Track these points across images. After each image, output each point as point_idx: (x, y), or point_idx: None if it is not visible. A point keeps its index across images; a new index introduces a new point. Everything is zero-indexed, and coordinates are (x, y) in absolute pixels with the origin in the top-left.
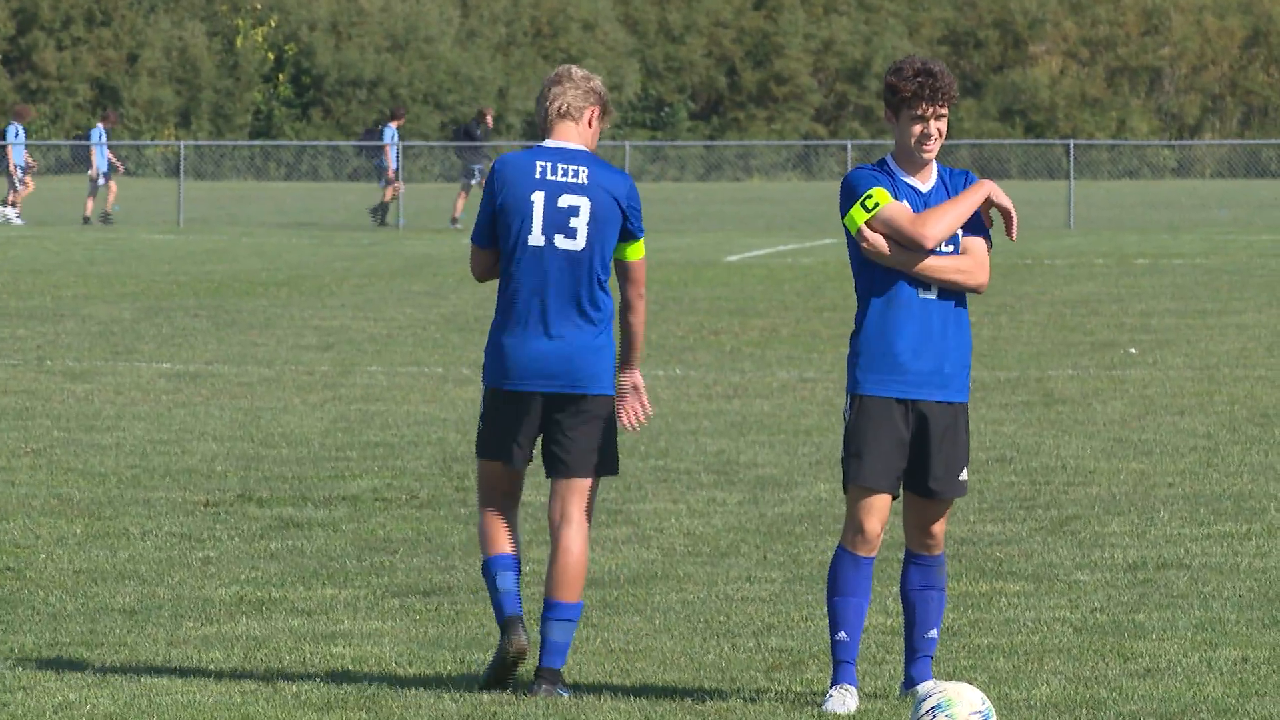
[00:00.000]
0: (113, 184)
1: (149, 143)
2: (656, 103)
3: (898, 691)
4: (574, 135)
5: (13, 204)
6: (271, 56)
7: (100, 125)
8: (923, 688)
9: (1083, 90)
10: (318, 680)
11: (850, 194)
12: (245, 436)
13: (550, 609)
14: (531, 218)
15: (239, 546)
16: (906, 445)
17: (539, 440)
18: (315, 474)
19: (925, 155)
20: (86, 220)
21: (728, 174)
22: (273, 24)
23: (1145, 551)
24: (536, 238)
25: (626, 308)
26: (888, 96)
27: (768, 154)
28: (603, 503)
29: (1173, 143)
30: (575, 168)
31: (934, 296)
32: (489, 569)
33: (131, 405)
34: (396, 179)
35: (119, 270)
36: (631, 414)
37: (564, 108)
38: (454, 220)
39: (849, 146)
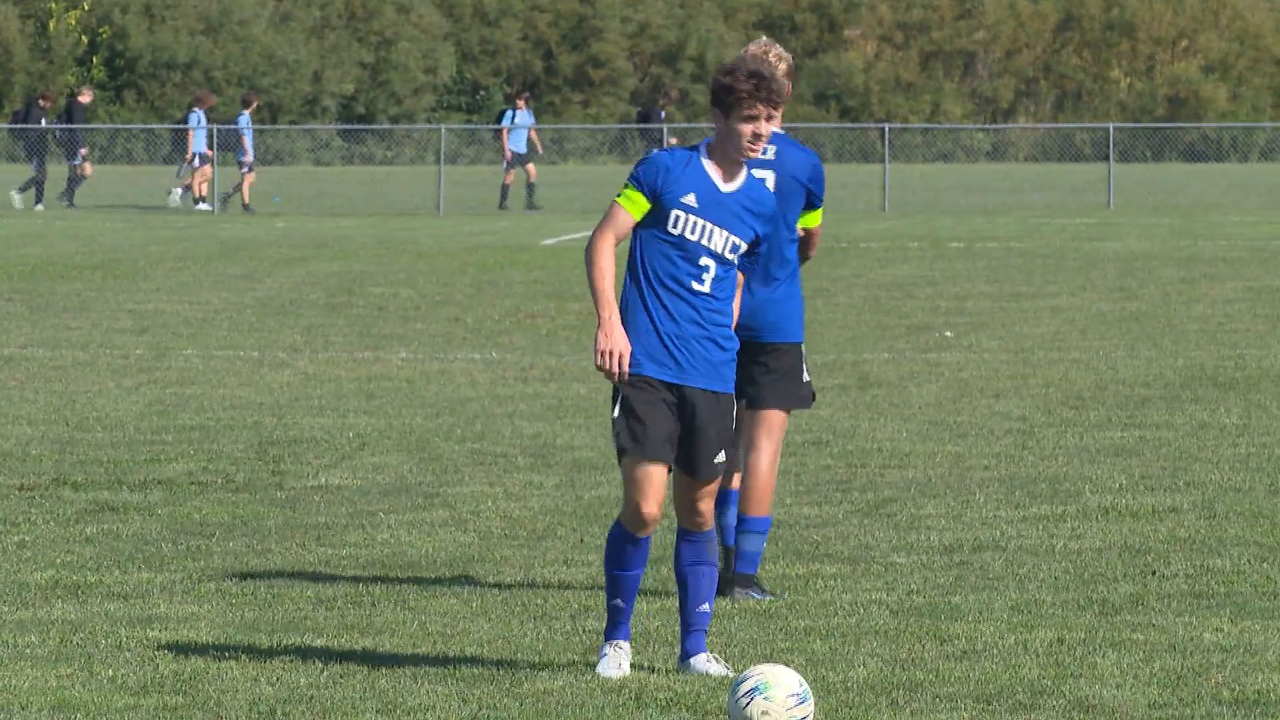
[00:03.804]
0: (207, 169)
1: None
2: (472, 86)
3: (674, 664)
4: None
5: (186, 187)
6: (85, 40)
7: (198, 110)
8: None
9: (897, 74)
10: (134, 664)
11: (634, 173)
12: (60, 420)
13: (742, 523)
14: None
15: (54, 530)
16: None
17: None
18: (130, 458)
19: (751, 154)
20: (199, 201)
21: (544, 157)
22: (86, 7)
23: (961, 534)
24: None
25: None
26: (720, 95)
27: (583, 138)
28: (419, 485)
29: (987, 126)
30: (765, 147)
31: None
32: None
33: None
34: (248, 168)
35: None
36: None
37: None
38: None
39: (664, 130)
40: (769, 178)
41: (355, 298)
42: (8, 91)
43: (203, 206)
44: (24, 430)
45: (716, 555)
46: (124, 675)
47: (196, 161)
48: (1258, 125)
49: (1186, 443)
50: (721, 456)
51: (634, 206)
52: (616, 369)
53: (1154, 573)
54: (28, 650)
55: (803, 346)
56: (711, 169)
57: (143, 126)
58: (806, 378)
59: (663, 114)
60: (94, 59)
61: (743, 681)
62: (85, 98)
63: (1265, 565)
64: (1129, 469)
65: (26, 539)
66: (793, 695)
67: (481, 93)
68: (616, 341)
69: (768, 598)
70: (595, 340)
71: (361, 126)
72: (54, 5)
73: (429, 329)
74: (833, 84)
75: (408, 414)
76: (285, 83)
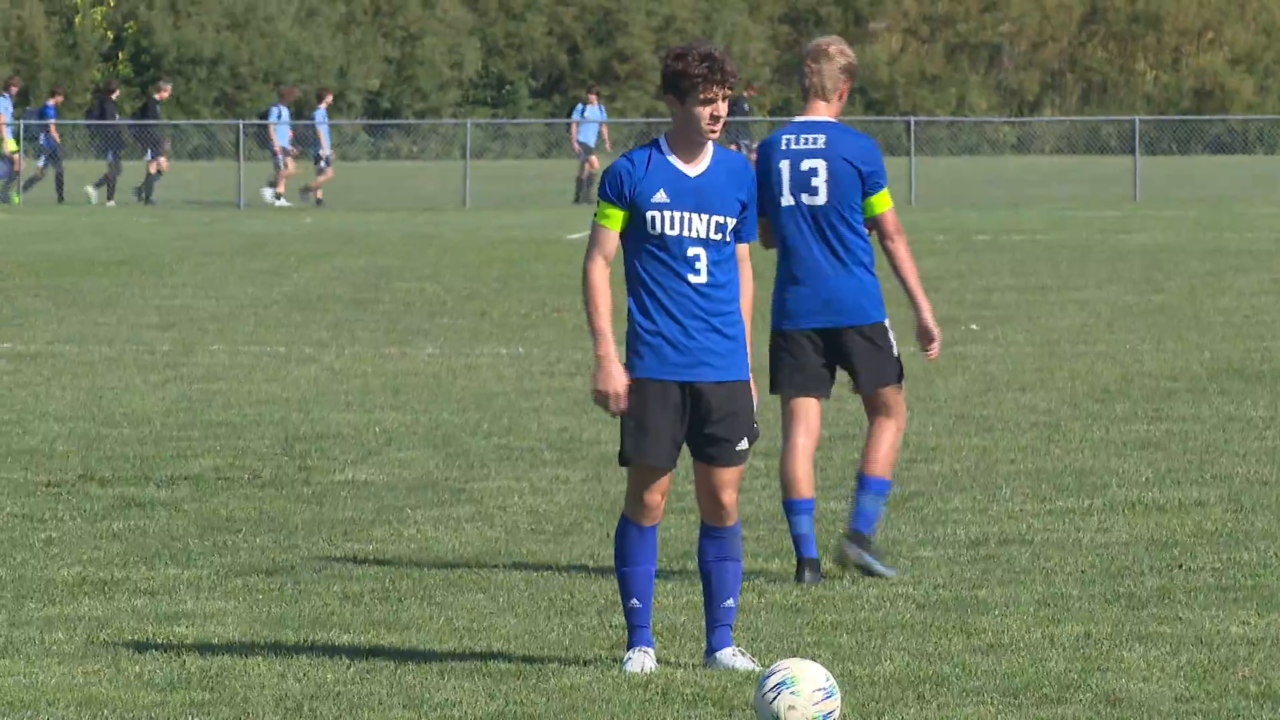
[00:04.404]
0: (290, 164)
1: None
2: (497, 80)
3: (700, 659)
4: (823, 110)
5: (273, 185)
6: (111, 35)
7: (321, 106)
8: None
9: (922, 67)
10: (161, 660)
11: (600, 187)
12: (87, 416)
13: (862, 483)
14: (781, 183)
15: (81, 527)
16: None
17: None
18: (157, 454)
19: (713, 136)
20: (303, 193)
21: (568, 151)
22: (111, 3)
23: (987, 528)
24: (787, 198)
25: (887, 256)
26: (675, 82)
27: (609, 131)
28: (445, 480)
29: (1012, 119)
30: (814, 135)
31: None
32: (787, 511)
33: None
34: (326, 162)
35: None
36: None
37: (816, 87)
38: None
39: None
40: (820, 166)
41: (381, 293)
42: (34, 88)
43: (282, 203)
44: (51, 426)
45: (740, 550)
46: (151, 671)
47: (280, 157)
48: None
49: (1213, 436)
50: (744, 444)
51: (612, 221)
52: (615, 408)
53: (1180, 566)
54: (54, 647)
55: (887, 323)
56: (675, 159)
57: (206, 122)
58: (896, 352)
59: (746, 105)
60: (119, 55)
61: (769, 676)
62: (163, 93)
63: None
64: (1155, 462)
65: (54, 535)
66: (819, 690)
67: (507, 87)
68: (613, 383)
69: (878, 566)
70: (593, 378)
71: (387, 121)
72: (80, 1)
73: (455, 324)
74: (858, 77)
75: (434, 409)
76: (311, 78)
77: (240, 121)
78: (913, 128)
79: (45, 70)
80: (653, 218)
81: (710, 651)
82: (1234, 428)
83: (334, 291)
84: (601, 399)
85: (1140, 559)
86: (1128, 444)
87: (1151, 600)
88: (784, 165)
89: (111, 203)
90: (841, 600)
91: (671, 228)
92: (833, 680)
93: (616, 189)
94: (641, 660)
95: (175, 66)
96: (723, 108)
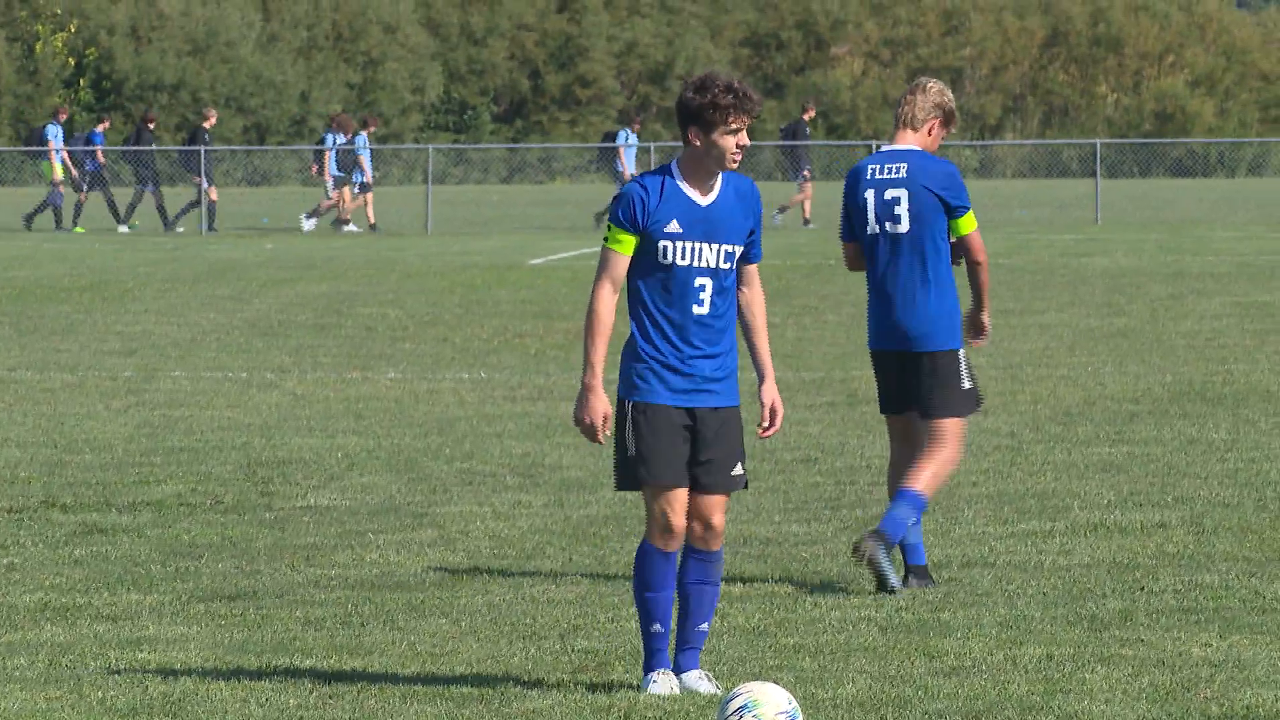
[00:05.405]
0: (345, 192)
1: None
2: (459, 106)
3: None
4: (910, 139)
5: (312, 213)
6: (72, 62)
7: (363, 132)
8: (734, 691)
9: (884, 91)
10: (123, 686)
11: (613, 213)
12: (48, 442)
13: (899, 494)
14: (867, 211)
15: (43, 553)
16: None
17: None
18: (119, 479)
19: (733, 165)
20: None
21: (531, 177)
22: (72, 29)
23: (950, 550)
24: (872, 226)
25: (969, 274)
26: (701, 114)
27: (570, 156)
28: (407, 505)
29: (974, 143)
30: (897, 165)
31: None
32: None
33: None
34: (363, 188)
35: None
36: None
37: (906, 117)
38: (805, 221)
39: (652, 148)
40: (903, 195)
41: (343, 318)
42: None
43: (351, 228)
44: (13, 453)
45: (720, 575)
46: (113, 697)
47: (331, 185)
48: (1245, 140)
49: (1175, 458)
50: (739, 469)
51: (624, 246)
52: (596, 439)
53: (1143, 588)
54: (16, 673)
55: (960, 352)
56: (687, 188)
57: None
58: (967, 384)
59: (808, 130)
60: (80, 81)
61: (732, 699)
62: (210, 120)
63: (1254, 580)
64: (1117, 485)
65: (15, 561)
66: (782, 713)
67: (469, 112)
68: (595, 414)
69: (890, 575)
70: (577, 406)
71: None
72: (41, 28)
73: (417, 349)
74: (820, 101)
75: (396, 434)
76: (273, 103)
77: (203, 148)
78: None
79: (6, 96)
80: (665, 248)
81: (677, 671)
82: (1195, 450)
83: (296, 317)
84: (585, 429)
85: (1102, 581)
86: (1090, 466)
87: (1114, 622)
88: (870, 195)
89: (124, 228)
90: (804, 623)
91: (682, 258)
92: (795, 703)
93: (630, 215)
94: (667, 682)
95: (136, 93)
96: (746, 137)
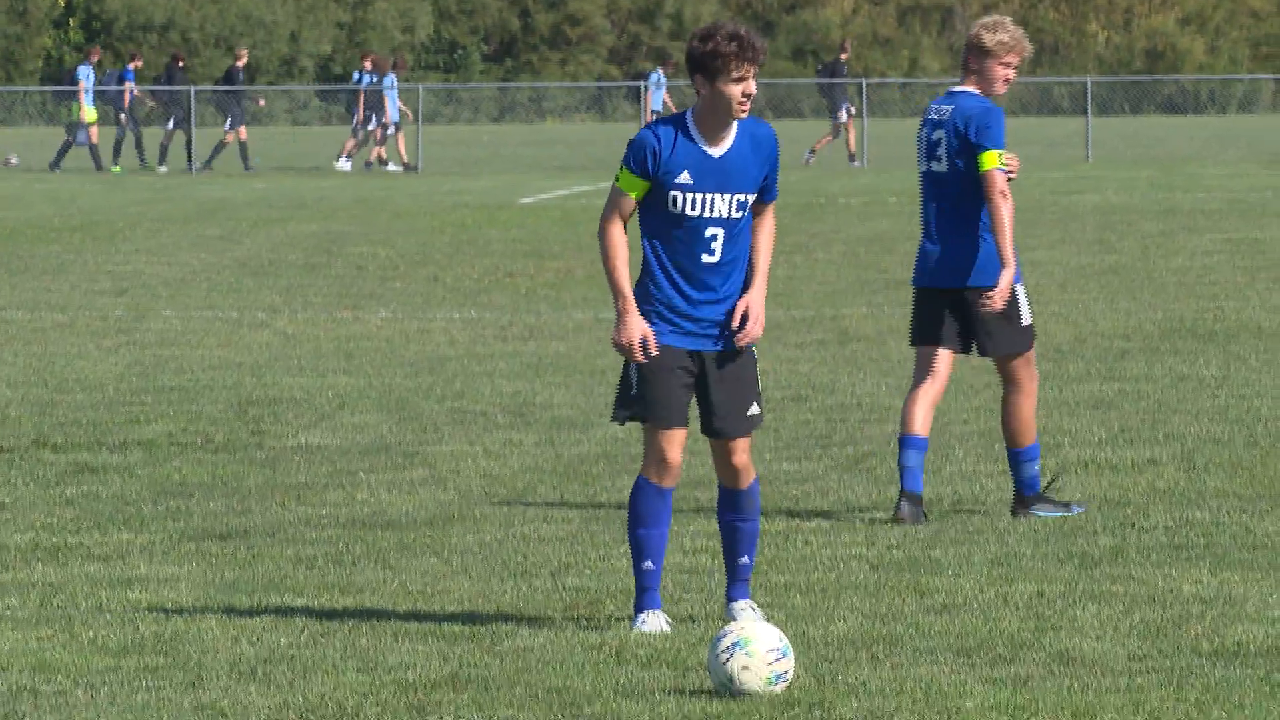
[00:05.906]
0: (375, 133)
1: None
2: (449, 45)
3: (721, 612)
4: (968, 83)
5: (349, 155)
6: (62, 2)
7: (391, 72)
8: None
9: (874, 29)
10: (114, 625)
11: (625, 156)
12: (39, 382)
13: (1013, 455)
14: (920, 150)
15: (34, 492)
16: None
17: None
18: (110, 419)
19: (741, 114)
20: (374, 164)
21: (521, 116)
22: None
23: (940, 488)
24: (923, 164)
25: (989, 213)
26: (705, 62)
27: (561, 96)
28: (398, 444)
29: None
30: (947, 106)
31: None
32: (899, 445)
33: None
34: (395, 127)
35: None
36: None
37: (961, 61)
38: (851, 158)
39: (641, 88)
40: (942, 136)
41: (334, 258)
42: None
43: (392, 168)
44: (3, 392)
45: (755, 510)
46: (104, 636)
47: (391, 129)
48: (1235, 77)
49: (1165, 395)
50: (754, 409)
51: (634, 189)
52: (640, 356)
53: (1133, 525)
54: (7, 613)
55: (1018, 288)
56: (700, 139)
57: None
58: (1027, 320)
59: (845, 69)
60: (70, 22)
61: (723, 637)
62: (242, 59)
63: (1244, 517)
64: (1108, 422)
65: (6, 501)
66: (773, 650)
67: (459, 52)
68: (634, 333)
69: (1059, 513)
70: (615, 330)
71: (339, 86)
72: None
73: (408, 288)
74: (810, 39)
75: (387, 373)
76: (263, 43)
77: (192, 87)
78: (865, 90)
79: None
80: (675, 198)
81: (728, 600)
82: (1186, 387)
83: (286, 257)
84: (625, 350)
85: (1093, 518)
86: (1081, 404)
87: (1104, 559)
88: (923, 134)
89: (163, 168)
90: (795, 561)
91: (693, 209)
92: (786, 641)
93: (641, 163)
94: (656, 621)
95: (126, 33)
96: (753, 85)
